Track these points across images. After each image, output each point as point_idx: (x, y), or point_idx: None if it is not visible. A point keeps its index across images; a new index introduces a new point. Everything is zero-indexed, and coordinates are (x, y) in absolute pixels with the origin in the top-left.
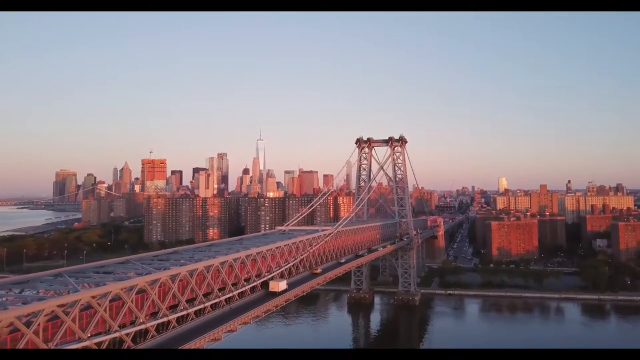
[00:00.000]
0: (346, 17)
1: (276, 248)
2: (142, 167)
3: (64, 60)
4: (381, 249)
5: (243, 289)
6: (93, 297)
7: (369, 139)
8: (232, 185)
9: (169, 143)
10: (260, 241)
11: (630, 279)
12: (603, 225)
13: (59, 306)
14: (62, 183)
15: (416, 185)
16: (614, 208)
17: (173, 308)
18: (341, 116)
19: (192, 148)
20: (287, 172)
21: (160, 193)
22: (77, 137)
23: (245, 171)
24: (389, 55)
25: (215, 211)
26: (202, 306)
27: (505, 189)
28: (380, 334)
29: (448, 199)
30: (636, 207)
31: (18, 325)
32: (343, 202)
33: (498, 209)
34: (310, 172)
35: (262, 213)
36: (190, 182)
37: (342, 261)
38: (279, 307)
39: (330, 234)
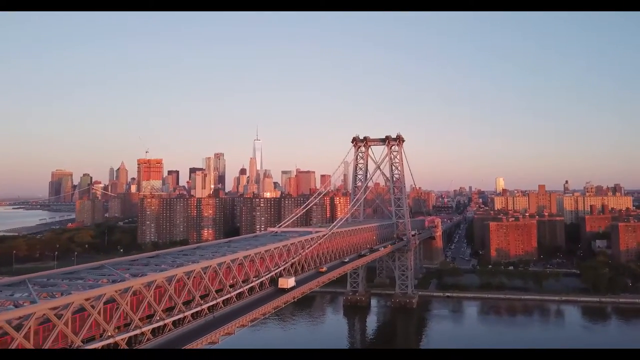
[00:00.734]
0: (345, 17)
1: (265, 251)
2: (138, 167)
3: (62, 60)
4: (382, 248)
5: (228, 295)
6: (53, 309)
7: (365, 138)
8: (229, 186)
9: (167, 143)
10: (250, 244)
11: (631, 280)
12: (602, 226)
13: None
14: (58, 183)
15: (413, 186)
16: (612, 208)
17: (149, 318)
18: (340, 116)
19: (189, 148)
20: (284, 172)
21: (155, 193)
22: (74, 137)
23: (242, 171)
24: (387, 55)
25: (210, 212)
26: (181, 315)
27: (502, 189)
28: (377, 338)
29: (445, 199)
30: (635, 208)
31: None
32: (340, 203)
33: (496, 209)
34: (308, 172)
35: (258, 214)
36: (187, 182)
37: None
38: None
39: (324, 235)
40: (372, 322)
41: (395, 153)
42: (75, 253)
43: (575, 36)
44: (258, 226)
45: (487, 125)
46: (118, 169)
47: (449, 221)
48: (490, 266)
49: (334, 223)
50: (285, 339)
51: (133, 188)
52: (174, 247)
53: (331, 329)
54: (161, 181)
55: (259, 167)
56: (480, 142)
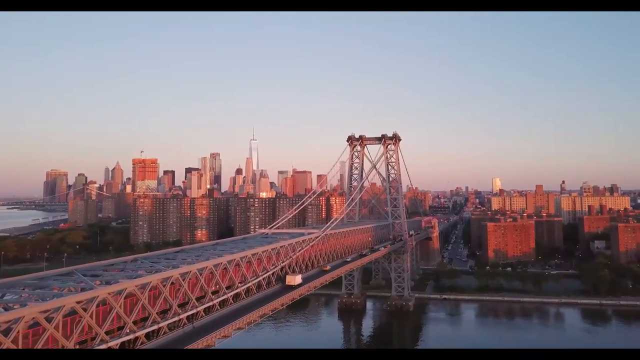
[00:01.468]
0: (342, 17)
1: (252, 255)
2: (133, 167)
3: (58, 61)
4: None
5: (209, 303)
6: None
7: (361, 137)
8: (225, 186)
9: (163, 143)
10: (237, 246)
11: (632, 282)
12: (601, 227)
13: None
14: (52, 183)
15: (410, 186)
16: (610, 209)
17: (119, 330)
18: (336, 117)
19: (185, 148)
20: (280, 172)
21: (148, 193)
22: (70, 137)
23: (239, 171)
24: (383, 55)
25: (204, 212)
26: (155, 327)
27: (500, 190)
28: (373, 341)
29: (442, 200)
30: (632, 208)
31: None
32: (336, 203)
33: (493, 209)
34: (304, 172)
35: (252, 214)
36: (183, 182)
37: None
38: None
39: (317, 237)
40: (367, 325)
41: (391, 152)
42: (65, 254)
43: (571, 36)
44: (252, 227)
45: (483, 125)
46: (113, 169)
47: (445, 221)
48: (488, 267)
49: (328, 224)
50: (278, 344)
51: (128, 188)
52: (166, 248)
53: (325, 332)
54: (156, 181)
55: (255, 167)
56: (476, 142)
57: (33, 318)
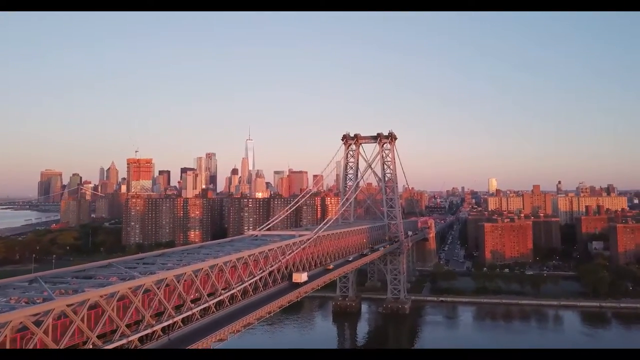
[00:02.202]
0: (341, 17)
1: (238, 259)
2: (127, 167)
3: (53, 61)
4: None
5: (188, 312)
6: None
7: (356, 135)
8: (221, 186)
9: (159, 143)
10: (223, 250)
11: (632, 284)
12: (599, 227)
13: None
14: (47, 183)
15: (406, 186)
16: (608, 209)
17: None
18: (333, 117)
19: (181, 148)
20: (276, 172)
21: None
22: (66, 138)
23: (234, 171)
24: (379, 55)
25: (197, 212)
26: (124, 341)
27: (496, 190)
28: (368, 346)
29: (438, 200)
30: (629, 208)
31: None
32: (331, 203)
33: (490, 210)
34: (300, 172)
35: (246, 214)
36: (178, 182)
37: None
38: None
39: (309, 239)
40: (362, 328)
41: (387, 151)
42: (54, 256)
43: (569, 37)
44: (246, 227)
45: (479, 125)
46: (108, 168)
47: (442, 222)
48: (485, 269)
49: (320, 225)
50: (272, 347)
51: (123, 188)
52: (158, 250)
53: (319, 336)
54: (151, 181)
55: (251, 167)
56: (472, 142)
57: None
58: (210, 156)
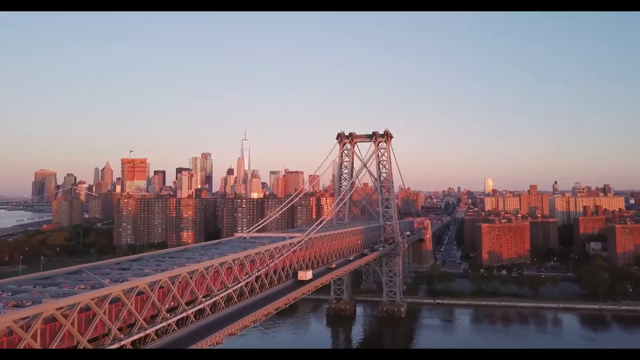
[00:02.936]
0: (339, 17)
1: (221, 264)
2: (122, 167)
3: (47, 61)
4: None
5: (160, 325)
6: None
7: (351, 134)
8: (217, 186)
9: (154, 143)
10: (207, 253)
11: (632, 286)
12: (596, 228)
13: None
14: (41, 183)
15: (402, 186)
16: (605, 209)
17: None
18: (329, 117)
19: (177, 148)
20: (272, 172)
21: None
22: (62, 138)
23: (230, 171)
24: (375, 55)
25: (190, 213)
26: None
27: (492, 190)
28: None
29: (434, 200)
30: (626, 209)
31: None
32: (327, 203)
33: (487, 210)
34: (296, 172)
35: (239, 215)
36: (174, 182)
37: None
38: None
39: (300, 242)
40: (357, 333)
41: (382, 150)
42: (42, 257)
43: (564, 37)
44: (240, 228)
45: (474, 126)
46: (103, 169)
47: (438, 222)
48: (482, 270)
49: (312, 227)
50: None
51: (118, 188)
52: (149, 251)
53: (313, 340)
54: (146, 181)
55: (246, 167)
56: (467, 142)
57: None
58: (205, 156)
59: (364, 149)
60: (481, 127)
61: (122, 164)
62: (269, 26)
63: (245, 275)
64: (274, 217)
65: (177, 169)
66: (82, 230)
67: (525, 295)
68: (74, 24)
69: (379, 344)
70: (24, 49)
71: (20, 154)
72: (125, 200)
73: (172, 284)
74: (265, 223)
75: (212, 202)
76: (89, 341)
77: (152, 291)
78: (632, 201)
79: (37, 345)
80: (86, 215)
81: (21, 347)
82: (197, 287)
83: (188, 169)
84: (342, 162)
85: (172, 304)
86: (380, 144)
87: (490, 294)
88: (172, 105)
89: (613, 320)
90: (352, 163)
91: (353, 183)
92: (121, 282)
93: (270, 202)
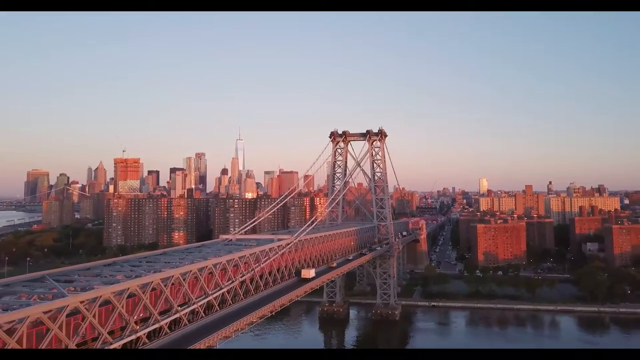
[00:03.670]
0: (337, 16)
1: (200, 269)
2: (114, 167)
3: (42, 62)
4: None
5: (129, 338)
6: None
7: (344, 133)
8: (211, 186)
9: (149, 143)
10: (188, 257)
11: (630, 288)
12: (592, 228)
13: None
14: (33, 183)
15: (397, 186)
16: (601, 210)
17: None
18: (325, 117)
19: (171, 148)
20: (266, 172)
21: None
22: (60, 137)
23: (224, 171)
24: (371, 55)
25: (182, 213)
26: None
27: (487, 190)
28: None
29: (429, 200)
30: (621, 209)
31: None
32: (320, 204)
33: (482, 210)
34: (290, 172)
35: (232, 215)
36: (167, 182)
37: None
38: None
39: (289, 244)
40: (350, 336)
41: (377, 149)
42: (28, 258)
43: (564, 37)
44: (232, 228)
45: (469, 126)
46: (96, 169)
47: (433, 223)
48: (478, 271)
49: (302, 228)
50: None
51: (111, 189)
52: (139, 252)
53: (305, 345)
54: (139, 181)
55: (241, 168)
56: (462, 142)
57: None
58: (200, 156)
59: (359, 148)
60: (481, 127)
61: (115, 163)
62: (269, 26)
63: (228, 280)
64: (265, 217)
65: (171, 169)
66: (71, 230)
67: (522, 297)
68: (74, 24)
69: (373, 347)
70: (24, 49)
71: (19, 154)
72: (116, 200)
73: (143, 292)
74: (257, 223)
75: (205, 202)
76: None
77: (119, 301)
78: (626, 201)
79: None
80: (78, 216)
81: None
82: (172, 295)
83: (182, 169)
84: (335, 161)
85: (142, 314)
86: (374, 143)
87: (487, 296)
88: (167, 106)
89: (612, 323)
90: (346, 162)
91: (347, 183)
92: (86, 290)
93: (263, 203)
